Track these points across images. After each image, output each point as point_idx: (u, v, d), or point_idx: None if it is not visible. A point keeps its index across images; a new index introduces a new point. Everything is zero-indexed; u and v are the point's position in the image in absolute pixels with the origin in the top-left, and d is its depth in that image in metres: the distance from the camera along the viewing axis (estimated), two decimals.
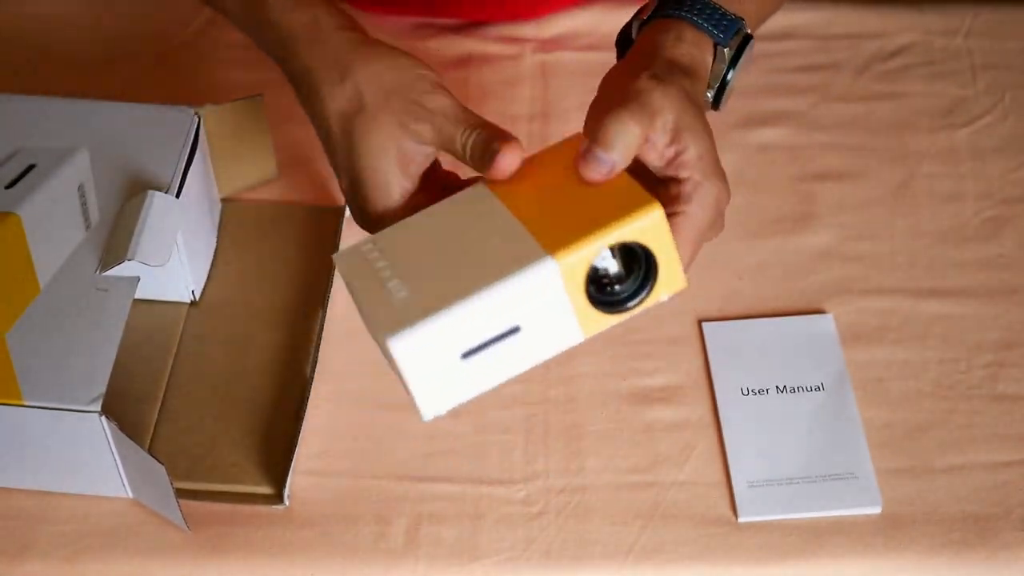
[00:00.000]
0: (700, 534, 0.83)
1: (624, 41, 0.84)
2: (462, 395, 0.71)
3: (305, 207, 0.99)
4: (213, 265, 0.96)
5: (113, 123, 0.91)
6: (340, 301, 0.93)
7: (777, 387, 0.90)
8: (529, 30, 1.11)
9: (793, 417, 0.88)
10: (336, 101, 0.78)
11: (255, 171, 0.99)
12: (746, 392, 0.89)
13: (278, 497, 0.84)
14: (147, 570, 0.82)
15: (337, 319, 0.93)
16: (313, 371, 0.89)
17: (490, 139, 0.73)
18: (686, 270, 0.71)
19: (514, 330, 0.69)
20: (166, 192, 0.86)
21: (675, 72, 0.75)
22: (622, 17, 1.12)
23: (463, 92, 1.07)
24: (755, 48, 1.12)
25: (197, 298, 0.93)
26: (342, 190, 0.79)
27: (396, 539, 0.83)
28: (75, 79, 1.08)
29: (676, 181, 0.73)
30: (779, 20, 1.13)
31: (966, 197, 1.01)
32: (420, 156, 0.77)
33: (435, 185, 0.78)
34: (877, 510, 0.84)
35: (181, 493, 0.81)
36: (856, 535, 0.83)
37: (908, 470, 0.86)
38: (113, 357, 0.80)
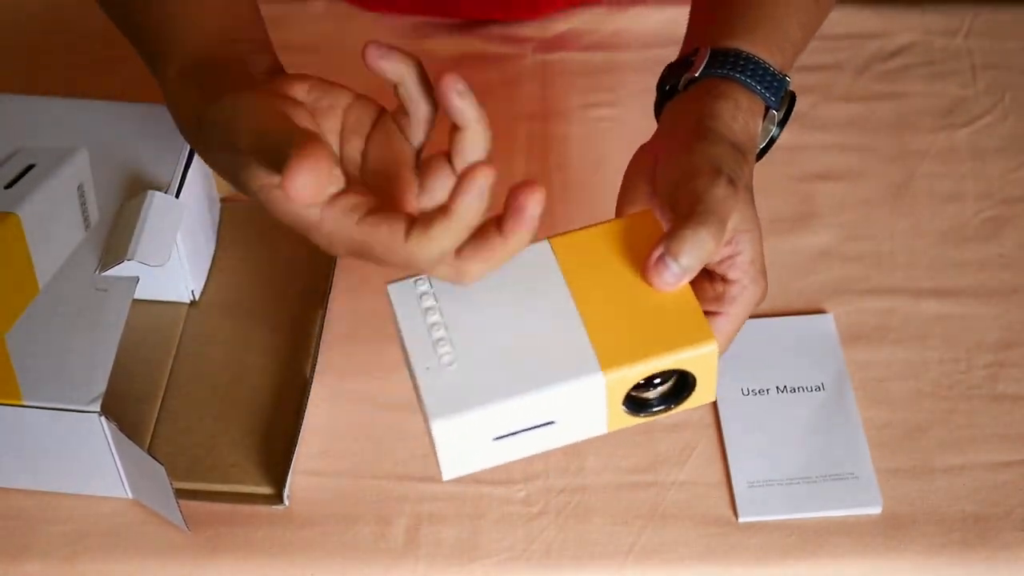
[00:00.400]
0: (700, 534, 0.83)
1: (665, 87, 0.81)
2: (483, 465, 0.72)
3: None
4: (213, 265, 0.95)
5: (113, 123, 0.91)
6: (340, 301, 0.93)
7: (777, 387, 0.89)
8: (529, 30, 1.11)
9: (793, 417, 0.88)
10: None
11: None
12: (746, 392, 0.89)
13: (278, 497, 0.84)
14: (147, 570, 0.82)
15: (337, 319, 0.93)
16: (313, 371, 0.89)
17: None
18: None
19: (548, 423, 0.71)
20: (166, 192, 0.86)
21: (741, 164, 0.73)
22: (623, 17, 1.13)
23: None
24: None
25: (197, 298, 0.93)
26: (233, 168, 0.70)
27: (396, 539, 0.83)
28: (75, 79, 1.08)
29: (724, 280, 0.73)
30: None
31: (966, 197, 1.01)
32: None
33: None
34: (877, 510, 0.84)
35: (181, 493, 0.81)
36: (856, 535, 0.83)
37: (908, 470, 0.86)
38: (113, 357, 0.80)
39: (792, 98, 0.81)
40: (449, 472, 0.72)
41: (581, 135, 1.04)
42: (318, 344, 0.90)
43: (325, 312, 0.92)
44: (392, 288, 0.73)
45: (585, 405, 0.71)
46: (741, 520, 0.84)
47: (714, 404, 0.89)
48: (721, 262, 0.73)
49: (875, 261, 0.97)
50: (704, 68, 0.78)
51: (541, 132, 1.04)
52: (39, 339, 0.81)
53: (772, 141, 0.81)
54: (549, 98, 1.07)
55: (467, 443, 0.71)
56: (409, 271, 0.69)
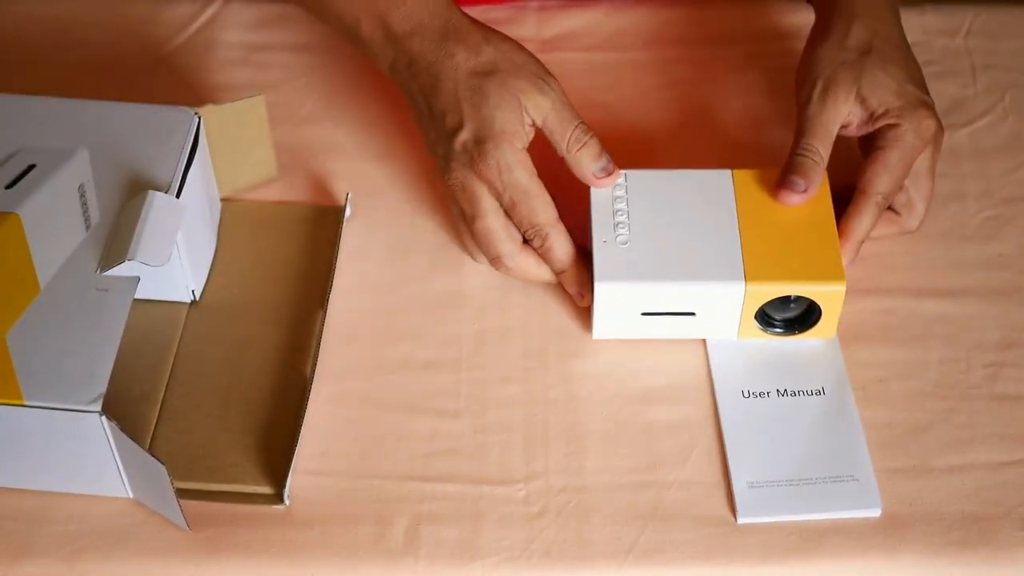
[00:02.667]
0: (700, 534, 0.83)
1: None
2: (627, 335, 0.90)
3: (305, 207, 0.99)
4: (213, 265, 0.95)
5: (113, 123, 0.91)
6: (340, 301, 0.93)
7: (778, 390, 0.89)
8: (529, 30, 1.11)
9: (794, 419, 0.88)
10: (470, 63, 0.88)
11: (255, 171, 0.99)
12: (747, 395, 0.89)
13: (278, 497, 0.84)
14: (147, 570, 0.82)
15: (337, 319, 0.93)
16: (313, 371, 0.89)
17: (602, 151, 0.89)
18: (887, 204, 0.91)
19: (690, 313, 0.88)
20: (166, 192, 0.86)
21: (856, 41, 0.92)
22: (622, 18, 1.13)
23: None
24: (754, 48, 1.12)
25: (197, 298, 0.93)
26: (451, 141, 0.88)
27: (396, 539, 0.83)
28: (75, 79, 1.08)
29: (876, 131, 0.90)
30: (779, 20, 1.13)
31: (966, 197, 1.01)
32: (528, 131, 0.88)
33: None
34: (877, 513, 0.84)
35: (181, 493, 0.81)
36: (856, 535, 0.83)
37: (908, 470, 0.86)
38: (113, 357, 0.80)
39: None
40: (599, 332, 0.90)
41: None
42: (318, 344, 0.90)
43: (325, 312, 0.92)
44: None
45: (724, 306, 0.88)
46: (740, 521, 0.84)
47: (714, 405, 0.89)
48: (867, 125, 0.91)
49: (875, 261, 0.97)
50: None
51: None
52: (39, 339, 0.81)
53: None
54: None
55: (619, 310, 0.88)
56: None
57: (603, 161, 0.89)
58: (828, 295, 0.87)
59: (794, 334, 0.90)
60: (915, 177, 0.92)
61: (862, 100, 0.90)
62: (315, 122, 1.05)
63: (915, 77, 0.93)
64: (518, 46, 0.90)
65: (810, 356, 0.91)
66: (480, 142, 0.87)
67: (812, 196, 0.89)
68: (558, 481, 0.86)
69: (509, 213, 0.89)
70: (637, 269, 0.87)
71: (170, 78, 1.07)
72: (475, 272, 0.96)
